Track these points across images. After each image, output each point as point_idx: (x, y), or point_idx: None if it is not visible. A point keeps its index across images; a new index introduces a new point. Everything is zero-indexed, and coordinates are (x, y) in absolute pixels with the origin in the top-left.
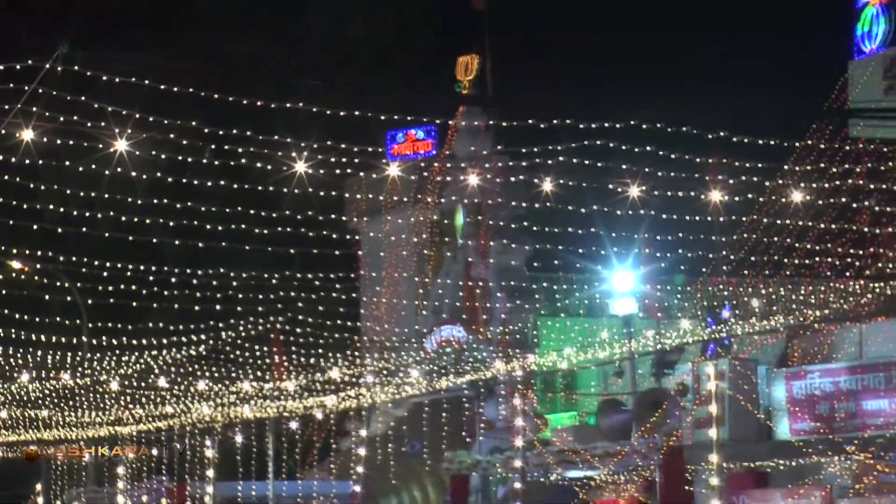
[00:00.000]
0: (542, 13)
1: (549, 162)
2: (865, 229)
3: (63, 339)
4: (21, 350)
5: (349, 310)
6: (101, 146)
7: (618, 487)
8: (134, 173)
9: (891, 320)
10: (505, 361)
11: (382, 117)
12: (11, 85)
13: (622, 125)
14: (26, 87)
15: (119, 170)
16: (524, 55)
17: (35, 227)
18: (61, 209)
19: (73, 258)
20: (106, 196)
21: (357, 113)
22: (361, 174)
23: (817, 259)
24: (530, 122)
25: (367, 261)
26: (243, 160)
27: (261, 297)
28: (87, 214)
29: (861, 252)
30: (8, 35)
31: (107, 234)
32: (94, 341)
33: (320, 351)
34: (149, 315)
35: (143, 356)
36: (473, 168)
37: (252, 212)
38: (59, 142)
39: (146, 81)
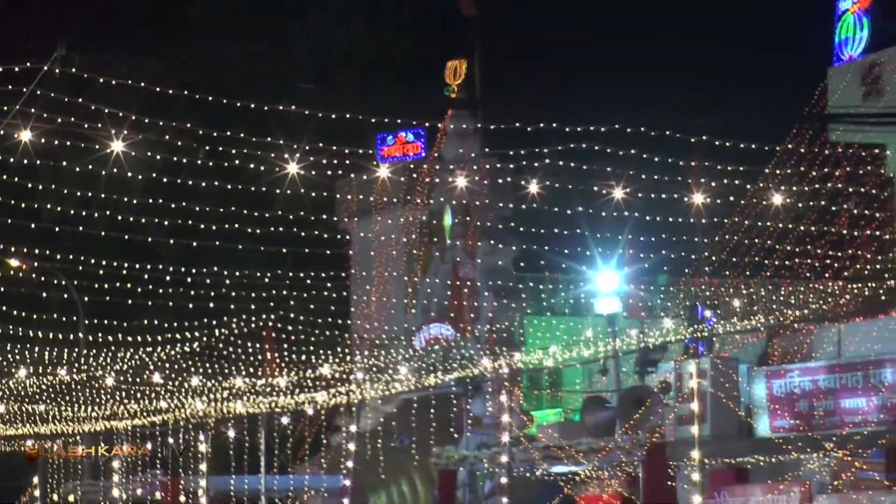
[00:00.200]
0: (531, 19)
1: (536, 164)
2: (844, 232)
3: (60, 336)
4: (19, 346)
5: (340, 308)
6: (98, 147)
7: (602, 483)
8: (130, 174)
9: (869, 321)
10: (492, 359)
11: (373, 120)
12: (10, 86)
13: (607, 129)
14: (25, 89)
15: (115, 170)
16: (512, 60)
17: (33, 225)
18: (59, 208)
19: (71, 256)
20: (103, 196)
21: (348, 116)
22: (352, 175)
23: (797, 260)
24: (517, 125)
25: (357, 260)
26: (237, 161)
27: (253, 295)
28: (84, 214)
29: (840, 254)
30: (7, 38)
31: (103, 234)
32: (91, 338)
33: (311, 348)
34: (144, 312)
35: (138, 352)
36: (462, 170)
37: (245, 212)
38: (56, 142)
39: (142, 84)
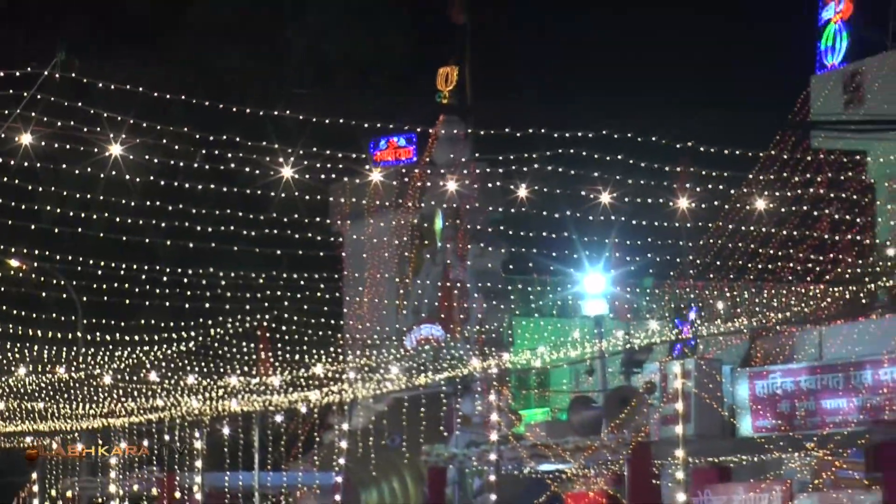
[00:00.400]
0: (521, 28)
1: (525, 169)
2: (825, 236)
3: (59, 335)
4: (18, 345)
5: (332, 309)
6: (96, 150)
7: (588, 480)
8: (128, 176)
9: (849, 323)
10: (481, 359)
11: (366, 125)
12: (11, 91)
13: (594, 135)
14: (25, 94)
15: (114, 173)
16: (502, 67)
17: (33, 227)
18: (58, 210)
19: (69, 257)
20: (101, 198)
21: (342, 121)
22: (345, 179)
23: (780, 264)
24: (507, 131)
25: (350, 262)
26: (233, 165)
27: (248, 295)
28: (83, 215)
29: (821, 258)
30: (7, 43)
31: (101, 235)
32: (89, 337)
33: (305, 348)
34: (141, 312)
35: (136, 351)
36: (452, 174)
37: (241, 214)
38: (56, 146)
39: (140, 89)
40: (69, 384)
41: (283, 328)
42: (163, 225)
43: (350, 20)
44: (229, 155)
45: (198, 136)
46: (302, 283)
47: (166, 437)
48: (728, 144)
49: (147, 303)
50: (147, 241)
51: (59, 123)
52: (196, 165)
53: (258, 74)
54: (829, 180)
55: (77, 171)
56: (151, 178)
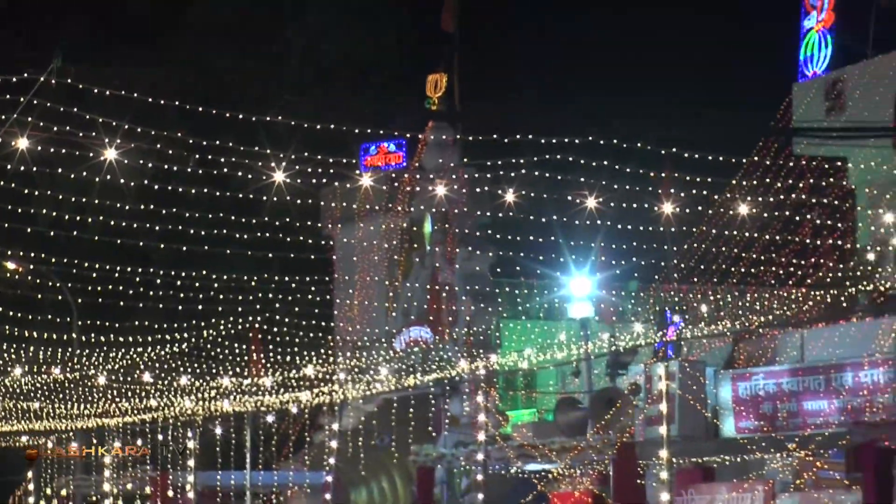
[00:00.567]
0: (508, 36)
1: (512, 174)
2: (807, 241)
3: (54, 336)
4: (14, 345)
5: (323, 311)
6: (92, 155)
7: (574, 480)
8: (123, 180)
9: (830, 326)
10: (469, 361)
11: (356, 131)
12: (8, 96)
13: (580, 141)
14: (22, 99)
15: (109, 177)
16: (490, 74)
17: (29, 230)
18: (54, 214)
19: (65, 260)
20: (96, 202)
21: (332, 126)
22: (336, 184)
23: (762, 268)
24: (495, 136)
25: (340, 265)
26: (226, 169)
27: (241, 298)
28: (79, 219)
29: (803, 262)
30: (4, 49)
31: (96, 238)
32: (84, 338)
33: (296, 349)
34: (135, 314)
35: (130, 352)
36: (441, 179)
37: (233, 218)
38: (52, 150)
39: (135, 94)
40: (64, 384)
41: (275, 330)
42: (157, 228)
43: (341, 28)
44: (222, 159)
45: (191, 141)
46: (293, 285)
47: (160, 437)
48: (712, 151)
49: (141, 305)
50: (141, 244)
51: (55, 128)
52: (189, 170)
53: (250, 81)
54: (810, 186)
55: (72, 175)
56: (145, 182)
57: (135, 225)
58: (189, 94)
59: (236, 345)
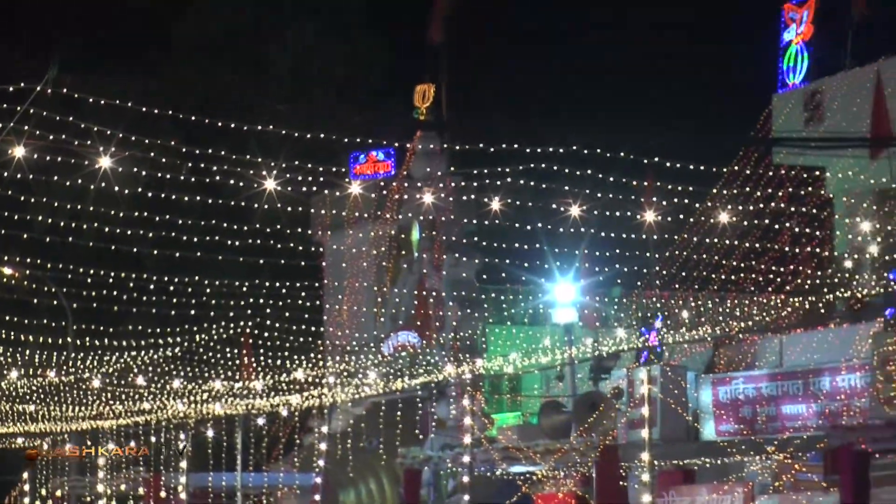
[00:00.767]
0: (495, 47)
1: (498, 183)
2: (786, 249)
3: (49, 340)
4: (11, 349)
5: (313, 316)
6: (87, 163)
7: (557, 482)
8: (117, 188)
9: (808, 332)
10: (455, 365)
11: (346, 140)
12: (5, 105)
13: (565, 150)
14: (18, 108)
15: (103, 185)
16: (477, 85)
17: (25, 236)
18: (50, 220)
19: (60, 265)
20: (91, 209)
21: (322, 136)
22: (326, 192)
23: (742, 275)
24: (481, 146)
25: (330, 271)
26: (217, 177)
27: (232, 303)
28: (74, 226)
29: (782, 269)
30: (1, 60)
31: (91, 244)
32: (79, 342)
33: (286, 353)
34: (129, 318)
35: (123, 356)
36: (429, 188)
37: (225, 225)
38: (48, 158)
39: (129, 104)
40: (59, 387)
41: (266, 335)
42: (150, 235)
43: (331, 40)
44: (214, 168)
45: (184, 150)
46: (284, 291)
47: (153, 440)
48: (693, 160)
49: (135, 309)
50: (135, 250)
51: (51, 137)
52: (182, 178)
53: (241, 91)
54: (789, 195)
55: (68, 183)
56: (139, 189)
57: (129, 231)
58: (182, 105)
59: (228, 349)
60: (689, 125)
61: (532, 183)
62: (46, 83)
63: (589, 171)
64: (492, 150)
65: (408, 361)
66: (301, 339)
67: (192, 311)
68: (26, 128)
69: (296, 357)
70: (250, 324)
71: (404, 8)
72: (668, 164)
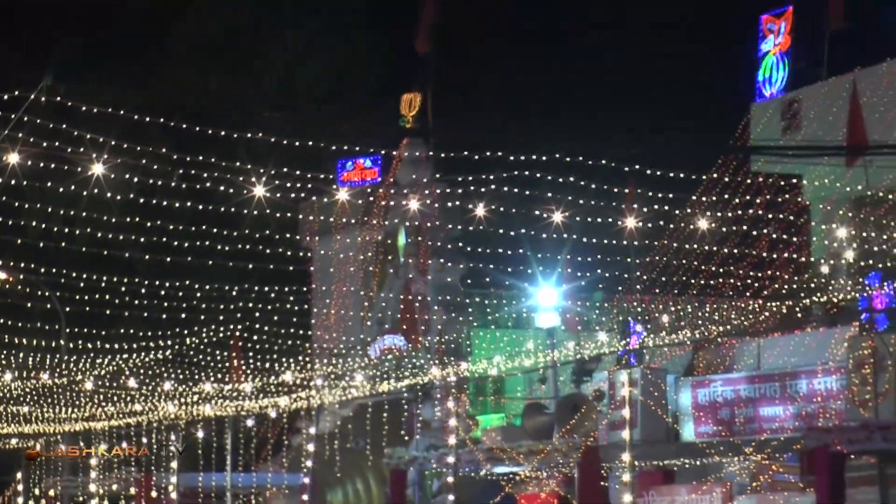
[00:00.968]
0: (480, 58)
1: (482, 190)
2: (764, 254)
3: (43, 343)
4: (5, 352)
5: (301, 320)
6: (80, 170)
7: (540, 482)
8: (109, 194)
9: (786, 336)
10: (440, 368)
11: (333, 147)
12: (0, 113)
13: (548, 158)
14: (13, 116)
15: (96, 191)
16: (462, 94)
17: (19, 241)
18: (43, 226)
19: (54, 270)
20: (84, 214)
21: (311, 143)
22: (314, 198)
23: (721, 280)
24: (466, 154)
25: (318, 276)
26: (208, 184)
27: (222, 307)
28: (67, 231)
29: (759, 275)
30: None
31: (84, 249)
32: (71, 345)
33: (275, 356)
34: (121, 322)
35: (115, 359)
36: (415, 194)
37: (215, 230)
38: (42, 165)
39: (121, 112)
40: (53, 389)
41: (255, 338)
42: (142, 240)
43: (319, 49)
44: (204, 175)
45: (175, 157)
46: (273, 295)
47: (144, 440)
48: (673, 168)
49: (126, 313)
50: (127, 255)
51: (45, 144)
52: (173, 184)
53: (231, 99)
54: (767, 202)
55: (61, 189)
56: (131, 196)
57: (121, 237)
58: (173, 112)
59: (218, 352)
60: (669, 134)
61: (516, 190)
62: (40, 91)
63: (571, 179)
64: (476, 157)
65: (394, 364)
66: (289, 343)
67: (183, 315)
68: (20, 135)
69: (284, 360)
70: (240, 327)
71: (391, 19)
72: (648, 172)
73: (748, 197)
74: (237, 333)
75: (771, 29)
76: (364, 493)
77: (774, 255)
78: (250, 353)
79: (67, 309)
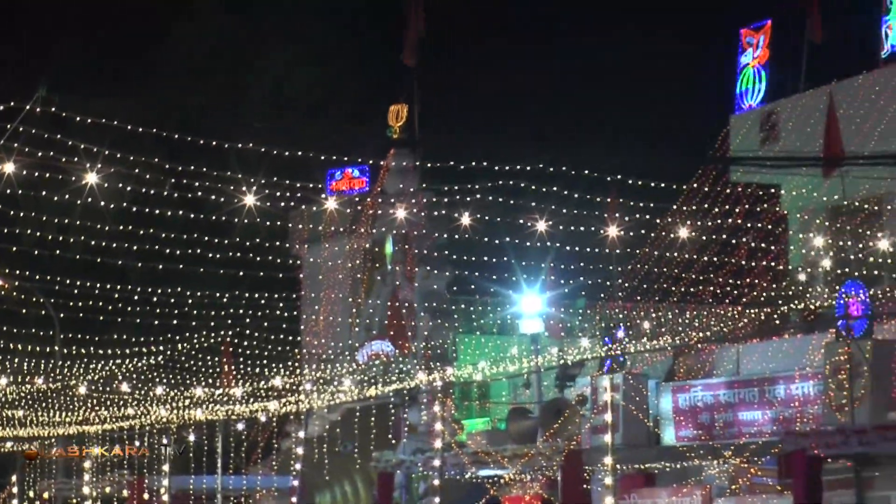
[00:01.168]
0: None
1: (468, 199)
2: (743, 262)
3: (38, 348)
4: (0, 357)
5: (291, 326)
6: (74, 179)
7: (524, 485)
8: (103, 203)
9: (764, 342)
10: (427, 373)
11: (322, 157)
12: None
13: (532, 168)
14: (8, 126)
15: (90, 200)
16: (448, 105)
17: (14, 249)
18: (38, 234)
19: (48, 277)
20: (78, 223)
21: (300, 153)
22: (303, 207)
23: (701, 287)
24: (452, 163)
25: (307, 283)
26: (199, 193)
27: (213, 313)
28: (61, 239)
29: (739, 282)
30: None
31: (78, 257)
32: (65, 350)
33: (265, 361)
34: (114, 328)
35: (109, 364)
36: (402, 203)
37: (206, 239)
38: (37, 174)
39: (115, 122)
40: (47, 394)
41: (245, 343)
42: (135, 248)
43: (309, 62)
44: (196, 184)
45: (167, 167)
46: (263, 302)
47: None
48: (654, 178)
49: (119, 319)
50: (120, 262)
51: (40, 154)
52: (165, 194)
53: (222, 110)
54: (746, 211)
55: (56, 198)
56: (124, 204)
57: (114, 245)
58: (165, 123)
59: (209, 357)
60: (651, 145)
61: (500, 199)
62: (35, 102)
63: (555, 188)
64: (462, 167)
65: (381, 369)
66: (279, 348)
67: (175, 321)
68: (16, 145)
69: (274, 365)
70: (230, 333)
71: (378, 33)
72: (630, 182)
73: (727, 206)
74: (228, 339)
75: (750, 42)
76: (352, 495)
77: (753, 264)
78: (241, 359)
79: (62, 315)
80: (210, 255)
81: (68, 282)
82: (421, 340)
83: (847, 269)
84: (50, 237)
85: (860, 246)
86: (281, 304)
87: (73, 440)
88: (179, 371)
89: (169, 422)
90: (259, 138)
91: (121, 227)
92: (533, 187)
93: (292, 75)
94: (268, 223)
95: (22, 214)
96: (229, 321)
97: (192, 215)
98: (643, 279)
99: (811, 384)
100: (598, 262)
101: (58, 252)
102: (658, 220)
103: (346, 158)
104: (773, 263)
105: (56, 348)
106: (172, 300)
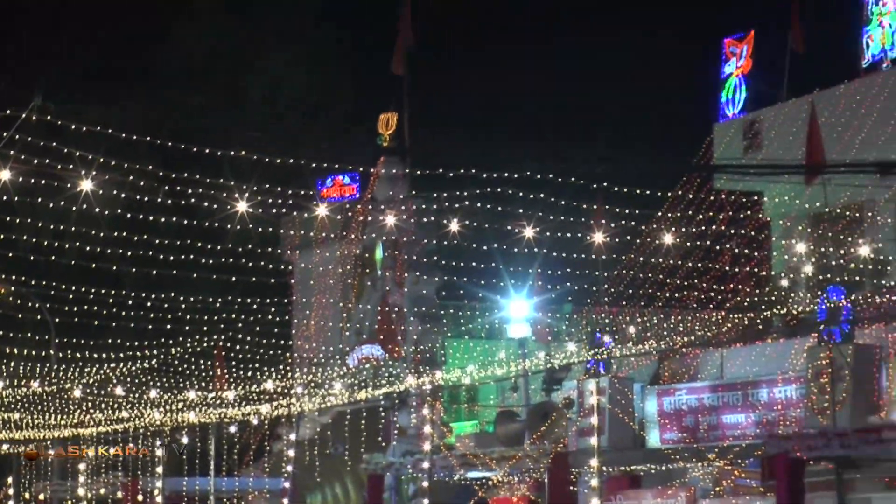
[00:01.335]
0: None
1: (457, 205)
2: (726, 268)
3: (33, 353)
4: None
5: (282, 330)
6: (69, 186)
7: (511, 487)
8: (97, 210)
9: (747, 346)
10: (416, 376)
11: (314, 165)
12: None
13: (519, 175)
14: (5, 134)
15: (85, 207)
16: (437, 113)
17: (10, 255)
18: (34, 240)
19: (44, 282)
20: (73, 229)
21: (292, 161)
22: (295, 213)
23: (685, 293)
24: (441, 171)
25: (298, 288)
26: (192, 200)
27: (205, 318)
28: (57, 245)
29: (722, 288)
30: None
31: (73, 262)
32: (61, 354)
33: (256, 365)
34: (108, 332)
35: (103, 368)
36: (391, 210)
37: (199, 245)
38: (32, 181)
39: (110, 130)
40: (42, 397)
41: (237, 348)
42: (129, 254)
43: (300, 71)
44: (189, 191)
45: (161, 174)
46: (255, 307)
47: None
48: (639, 185)
49: (114, 324)
50: (114, 268)
51: (36, 161)
52: (159, 200)
53: (215, 118)
54: (729, 218)
55: (51, 205)
56: (119, 211)
57: (108, 251)
58: (159, 131)
59: (201, 361)
60: (636, 152)
61: (489, 206)
62: (31, 111)
63: (542, 195)
64: (451, 174)
65: (371, 373)
66: (271, 352)
67: (168, 326)
68: (12, 153)
69: (265, 369)
70: (223, 337)
71: (368, 42)
72: (615, 189)
73: (711, 213)
74: (220, 343)
75: (733, 52)
76: (342, 497)
77: (736, 269)
78: (233, 363)
79: (57, 320)
80: (203, 260)
81: (63, 287)
82: (410, 344)
83: (829, 275)
84: (46, 243)
85: (841, 252)
86: (273, 309)
87: (69, 442)
88: (173, 375)
89: (162, 424)
90: (251, 146)
91: (115, 234)
92: (520, 194)
93: (284, 85)
94: (260, 229)
95: (18, 221)
96: (222, 325)
97: (186, 221)
98: (629, 284)
99: (793, 388)
100: (585, 268)
101: (53, 258)
102: (643, 227)
103: (336, 166)
104: (756, 269)
105: (51, 352)
106: (166, 305)
